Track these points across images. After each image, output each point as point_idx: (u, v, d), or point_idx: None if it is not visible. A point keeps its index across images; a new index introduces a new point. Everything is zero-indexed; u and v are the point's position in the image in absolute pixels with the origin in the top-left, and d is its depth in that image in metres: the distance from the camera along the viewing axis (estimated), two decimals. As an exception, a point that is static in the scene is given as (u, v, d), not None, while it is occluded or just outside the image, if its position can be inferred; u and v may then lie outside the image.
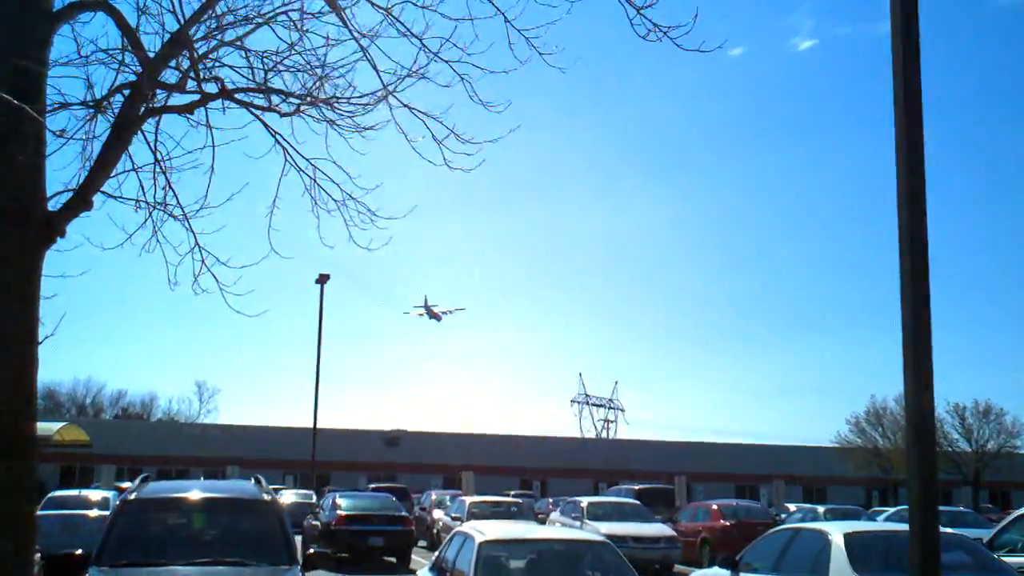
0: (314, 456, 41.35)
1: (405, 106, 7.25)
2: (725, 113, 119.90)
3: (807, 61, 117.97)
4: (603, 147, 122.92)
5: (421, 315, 74.75)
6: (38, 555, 13.10)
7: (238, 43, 7.48)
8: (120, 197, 7.65)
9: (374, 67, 7.03)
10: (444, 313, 75.02)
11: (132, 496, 9.33)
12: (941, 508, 27.15)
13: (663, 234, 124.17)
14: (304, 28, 7.33)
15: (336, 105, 7.22)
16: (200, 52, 7.34)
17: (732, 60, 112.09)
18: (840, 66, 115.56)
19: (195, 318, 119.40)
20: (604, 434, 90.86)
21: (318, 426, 42.05)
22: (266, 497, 9.45)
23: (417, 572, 11.80)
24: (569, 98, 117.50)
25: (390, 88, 7.07)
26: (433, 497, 32.21)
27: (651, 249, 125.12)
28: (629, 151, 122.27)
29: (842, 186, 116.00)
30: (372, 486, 43.09)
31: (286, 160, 7.86)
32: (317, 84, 7.10)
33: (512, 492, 46.04)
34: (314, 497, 35.42)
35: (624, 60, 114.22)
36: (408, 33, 7.11)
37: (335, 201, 7.96)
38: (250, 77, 7.39)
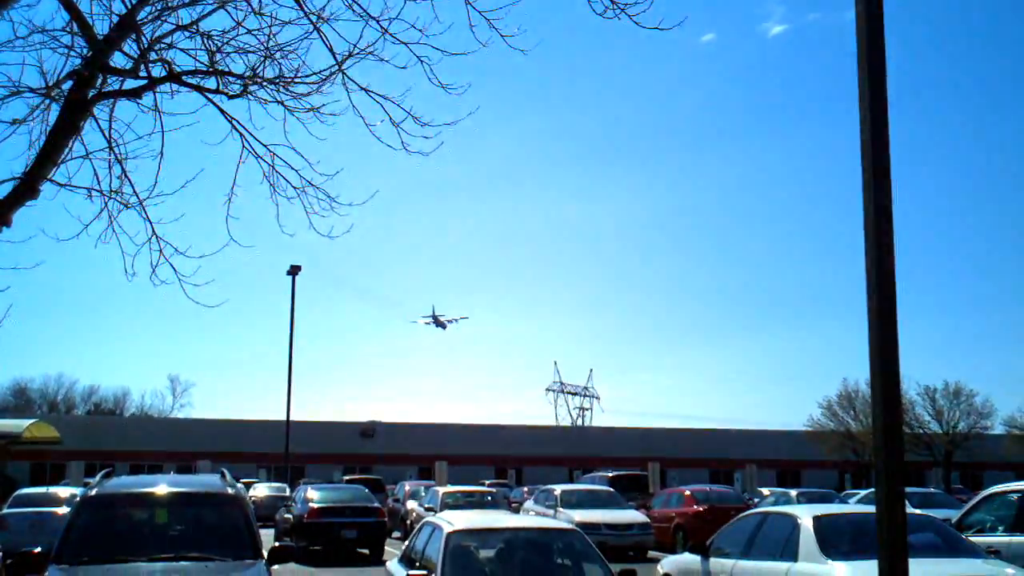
0: (287, 449, 41.15)
1: (363, 89, 7.12)
2: (696, 100, 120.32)
3: (778, 47, 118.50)
4: (575, 136, 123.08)
5: (428, 323, 79.62)
6: (0, 553, 12.93)
7: (193, 27, 7.31)
8: (73, 186, 7.48)
9: (326, 43, 6.88)
10: (449, 322, 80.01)
11: (93, 492, 9.15)
12: (912, 489, 27.43)
13: (636, 223, 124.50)
14: (260, 10, 7.18)
15: (287, 85, 7.06)
16: (152, 36, 7.17)
17: (703, 46, 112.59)
18: (811, 52, 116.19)
19: (168, 312, 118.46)
20: (579, 422, 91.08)
21: (293, 419, 41.85)
22: (230, 491, 9.28)
23: (387, 563, 11.68)
24: (540, 86, 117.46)
25: (342, 64, 6.90)
26: (407, 488, 32.06)
27: (624, 238, 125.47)
28: (601, 139, 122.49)
29: (813, 174, 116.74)
30: (346, 478, 42.92)
31: (244, 146, 7.72)
32: (262, 62, 6.93)
33: (488, 481, 46.07)
34: (287, 490, 35.21)
35: (594, 47, 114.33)
36: (365, 14, 6.97)
37: (294, 188, 7.84)
38: (199, 60, 7.23)
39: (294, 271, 40.53)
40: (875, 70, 5.48)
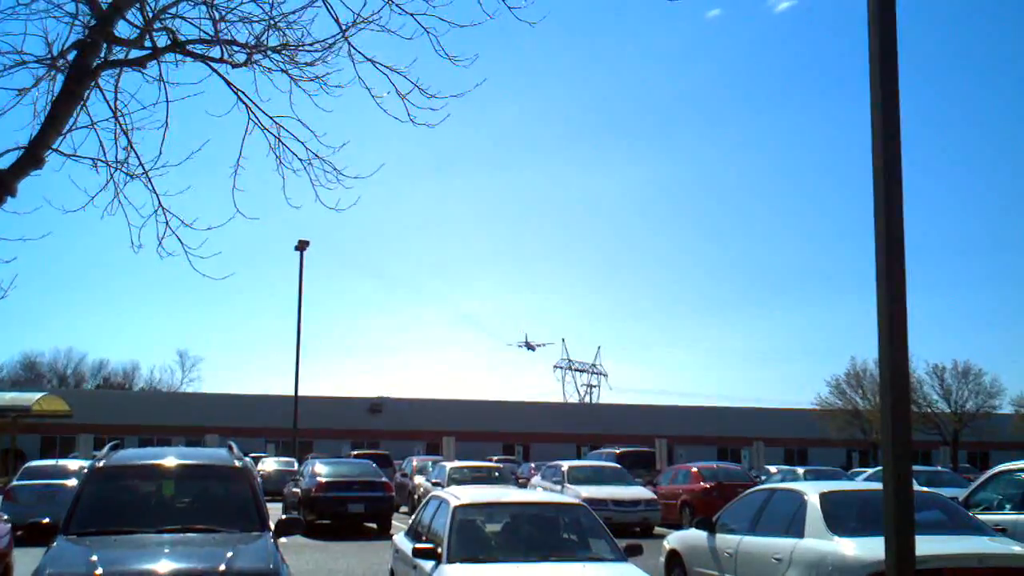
0: (296, 423, 41.33)
1: (368, 60, 7.06)
2: (704, 76, 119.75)
3: (785, 23, 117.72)
4: (583, 109, 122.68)
5: (521, 347, 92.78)
6: (9, 524, 13.00)
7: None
8: (78, 156, 7.44)
9: (330, 12, 6.82)
10: (539, 345, 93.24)
11: (101, 463, 9.17)
12: (919, 468, 27.43)
13: (644, 199, 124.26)
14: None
15: (292, 55, 7.00)
16: (157, 5, 7.11)
17: (709, 22, 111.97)
18: (819, 27, 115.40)
19: (176, 286, 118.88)
20: (587, 399, 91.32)
21: (301, 394, 42.04)
22: (238, 463, 9.29)
23: (394, 536, 11.71)
24: (547, 59, 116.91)
25: (346, 32, 6.84)
26: (415, 463, 32.18)
27: (633, 214, 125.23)
28: (609, 113, 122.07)
29: (822, 150, 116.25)
30: (354, 453, 43.11)
31: (250, 118, 7.67)
32: (267, 31, 6.86)
33: (495, 457, 46.22)
34: (295, 464, 35.38)
35: (600, 20, 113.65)
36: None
37: (300, 160, 7.79)
38: (204, 30, 7.16)
39: (302, 246, 40.51)
40: (887, 47, 5.40)
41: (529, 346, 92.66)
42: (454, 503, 9.31)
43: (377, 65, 7.11)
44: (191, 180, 7.85)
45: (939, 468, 33.10)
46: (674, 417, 68.33)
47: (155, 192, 7.65)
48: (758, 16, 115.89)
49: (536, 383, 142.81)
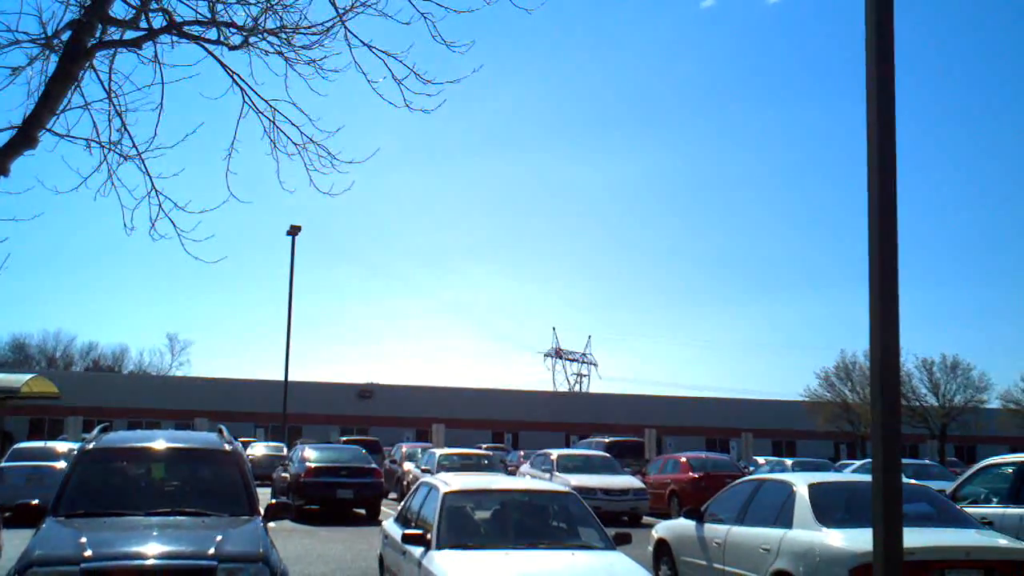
0: (285, 408, 41.30)
1: (365, 44, 7.03)
2: (697, 67, 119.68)
3: (778, 14, 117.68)
4: (576, 97, 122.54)
5: (549, 355, 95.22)
6: (-3, 506, 12.96)
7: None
8: (72, 137, 7.40)
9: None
10: (566, 352, 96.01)
11: (90, 445, 9.13)
12: (907, 461, 27.55)
13: (636, 189, 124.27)
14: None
15: (288, 37, 6.96)
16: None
17: (703, 13, 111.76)
18: (812, 19, 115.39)
19: (167, 269, 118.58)
20: (577, 388, 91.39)
21: (291, 379, 41.99)
22: (227, 447, 9.27)
23: (383, 522, 11.72)
24: (542, 46, 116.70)
25: (343, 15, 6.80)
26: (404, 449, 32.17)
27: (624, 204, 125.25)
28: (602, 102, 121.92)
29: (814, 142, 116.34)
30: (344, 438, 43.10)
31: (244, 101, 7.63)
32: (264, 13, 6.83)
33: (484, 445, 46.27)
34: (284, 450, 35.35)
35: (597, 8, 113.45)
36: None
37: (295, 144, 7.76)
38: (200, 11, 7.12)
39: (294, 231, 40.41)
40: (882, 40, 5.40)
41: (558, 353, 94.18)
42: (444, 489, 9.32)
43: (373, 50, 7.10)
44: (185, 162, 7.83)
45: (927, 461, 33.27)
46: (663, 407, 68.49)
47: (148, 174, 7.63)
48: (752, 7, 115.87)
49: (526, 372, 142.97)
